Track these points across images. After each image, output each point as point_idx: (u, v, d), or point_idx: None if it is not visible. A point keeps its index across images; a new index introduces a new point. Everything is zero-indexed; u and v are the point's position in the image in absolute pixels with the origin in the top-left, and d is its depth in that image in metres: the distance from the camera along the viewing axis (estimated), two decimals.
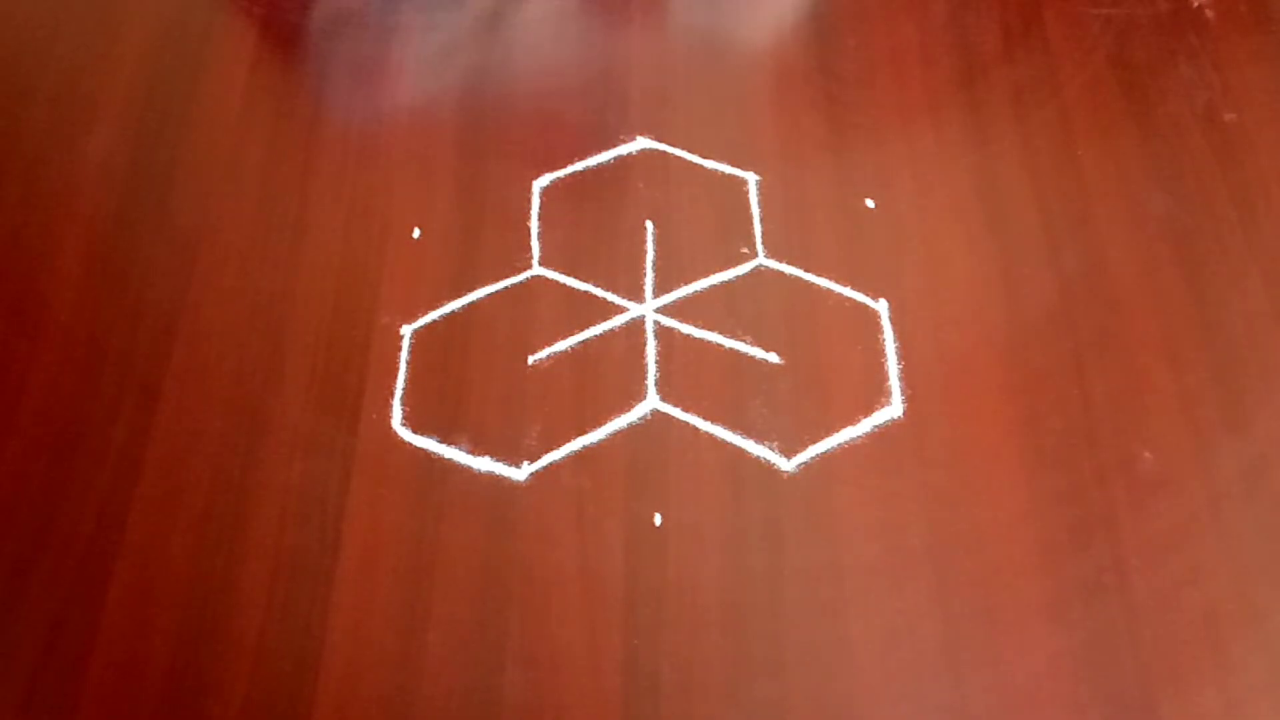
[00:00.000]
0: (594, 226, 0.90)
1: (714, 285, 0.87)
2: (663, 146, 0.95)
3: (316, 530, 0.77)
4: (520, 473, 0.79)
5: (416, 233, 0.90)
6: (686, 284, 0.87)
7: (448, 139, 0.95)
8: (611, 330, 0.85)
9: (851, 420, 0.81)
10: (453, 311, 0.86)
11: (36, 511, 0.78)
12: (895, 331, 0.85)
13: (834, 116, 0.99)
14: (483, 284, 0.87)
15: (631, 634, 0.73)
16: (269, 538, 0.76)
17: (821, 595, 0.75)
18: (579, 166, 0.93)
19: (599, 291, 0.87)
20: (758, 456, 0.80)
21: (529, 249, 0.89)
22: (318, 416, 0.81)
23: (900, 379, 0.83)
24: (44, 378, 0.83)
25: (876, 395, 0.82)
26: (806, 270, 0.88)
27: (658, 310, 0.86)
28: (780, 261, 0.89)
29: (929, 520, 0.78)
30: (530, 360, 0.84)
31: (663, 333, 0.85)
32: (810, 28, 1.05)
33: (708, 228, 0.90)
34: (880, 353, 0.84)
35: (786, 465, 0.80)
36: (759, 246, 0.89)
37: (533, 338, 0.84)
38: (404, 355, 0.83)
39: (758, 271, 0.88)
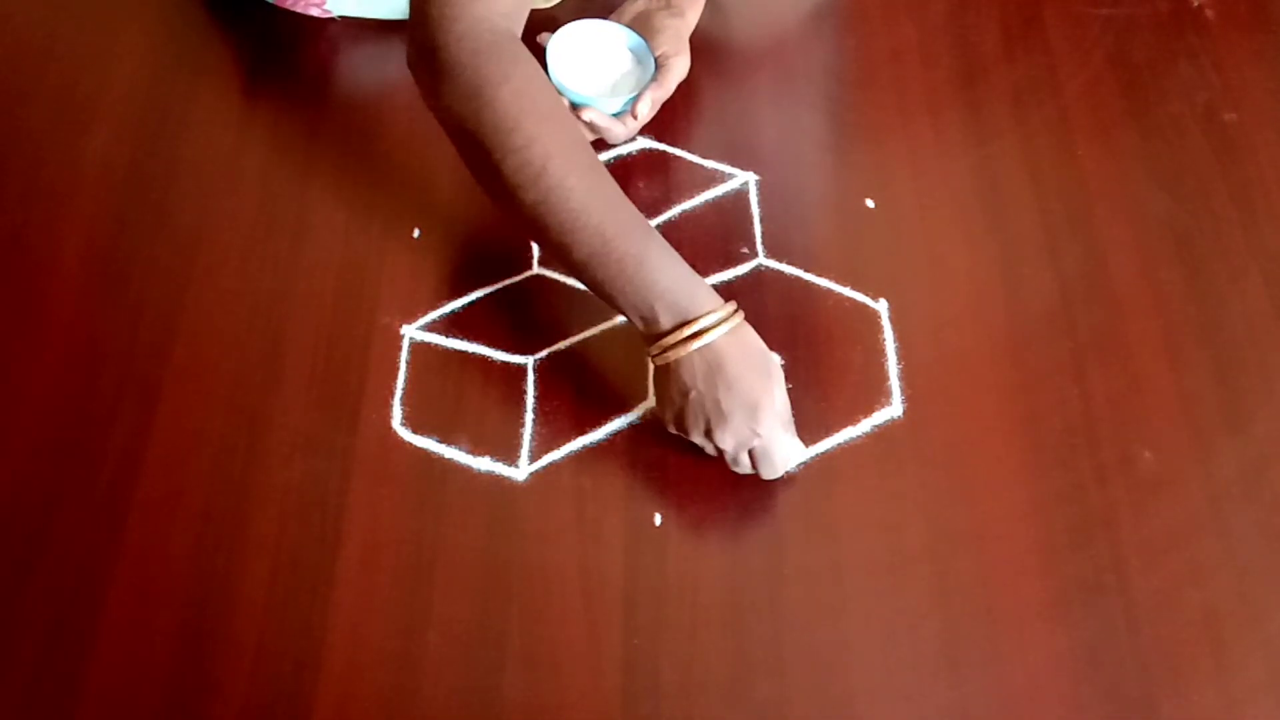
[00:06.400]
0: None
1: (714, 285, 0.87)
2: (662, 146, 0.95)
3: (316, 530, 0.77)
4: (520, 473, 0.79)
5: (416, 233, 0.90)
6: None
7: (448, 139, 0.94)
8: (611, 330, 0.85)
9: (851, 420, 0.81)
10: (453, 311, 0.86)
11: (36, 511, 0.78)
12: (895, 331, 0.85)
13: (834, 116, 0.99)
14: (483, 284, 0.87)
15: (631, 634, 0.73)
16: (269, 538, 0.76)
17: (821, 595, 0.75)
18: None
19: None
20: None
21: (530, 249, 0.89)
22: (318, 416, 0.81)
23: (900, 379, 0.83)
24: (44, 378, 0.83)
25: (876, 395, 0.82)
26: (806, 270, 0.88)
27: None
28: (780, 261, 0.89)
29: (929, 520, 0.78)
30: (530, 360, 0.84)
31: None
32: (810, 28, 1.05)
33: (708, 228, 0.90)
34: (880, 353, 0.84)
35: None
36: (759, 246, 0.89)
37: (533, 338, 0.84)
38: (403, 355, 0.83)
39: (758, 271, 0.88)
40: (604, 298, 0.75)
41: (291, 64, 1.00)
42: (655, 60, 0.90)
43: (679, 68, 0.91)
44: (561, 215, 0.73)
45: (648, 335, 0.75)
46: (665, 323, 0.73)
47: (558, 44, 0.91)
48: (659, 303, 0.73)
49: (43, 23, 1.02)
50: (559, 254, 0.75)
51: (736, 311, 0.75)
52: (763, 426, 0.74)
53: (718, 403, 0.73)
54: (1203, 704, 0.71)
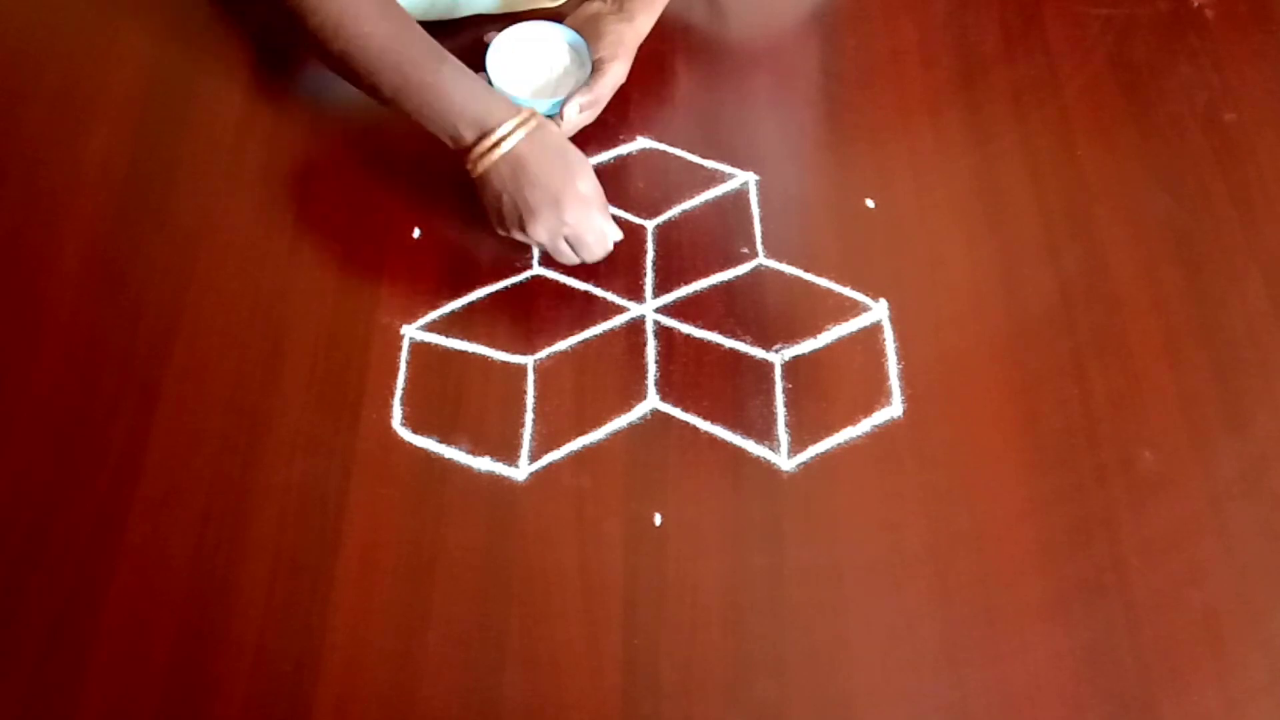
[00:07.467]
0: None
1: (714, 285, 0.87)
2: (663, 146, 0.95)
3: (316, 530, 0.77)
4: (520, 473, 0.79)
5: (416, 233, 0.90)
6: (686, 284, 0.87)
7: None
8: (611, 330, 0.85)
9: (851, 420, 0.81)
10: (453, 311, 0.86)
11: (36, 511, 0.78)
12: (895, 331, 0.85)
13: (834, 116, 0.99)
14: (483, 284, 0.87)
15: (631, 634, 0.73)
16: (269, 538, 0.76)
17: (821, 595, 0.75)
18: None
19: (599, 291, 0.87)
20: (758, 456, 0.80)
21: (529, 249, 0.89)
22: (318, 416, 0.81)
23: (900, 379, 0.83)
24: (44, 378, 0.83)
25: (876, 395, 0.82)
26: (806, 270, 0.88)
27: (658, 310, 0.86)
28: (780, 261, 0.89)
29: (929, 520, 0.78)
30: (530, 360, 0.84)
31: (663, 333, 0.85)
32: (810, 28, 1.05)
33: (708, 228, 0.90)
34: (880, 353, 0.84)
35: (786, 465, 0.80)
36: (759, 246, 0.89)
37: (533, 338, 0.85)
38: (404, 355, 0.83)
39: (758, 271, 0.88)
40: (422, 123, 0.83)
41: (292, 63, 0.99)
42: (592, 64, 0.90)
43: (613, 74, 0.90)
44: (362, 62, 0.82)
45: (459, 153, 0.83)
46: (469, 138, 0.82)
47: (500, 44, 0.91)
48: (460, 121, 0.82)
49: (43, 23, 1.02)
50: (371, 94, 0.84)
51: (533, 116, 0.83)
52: (568, 214, 0.82)
53: (525, 200, 0.82)
54: (1203, 704, 0.71)
